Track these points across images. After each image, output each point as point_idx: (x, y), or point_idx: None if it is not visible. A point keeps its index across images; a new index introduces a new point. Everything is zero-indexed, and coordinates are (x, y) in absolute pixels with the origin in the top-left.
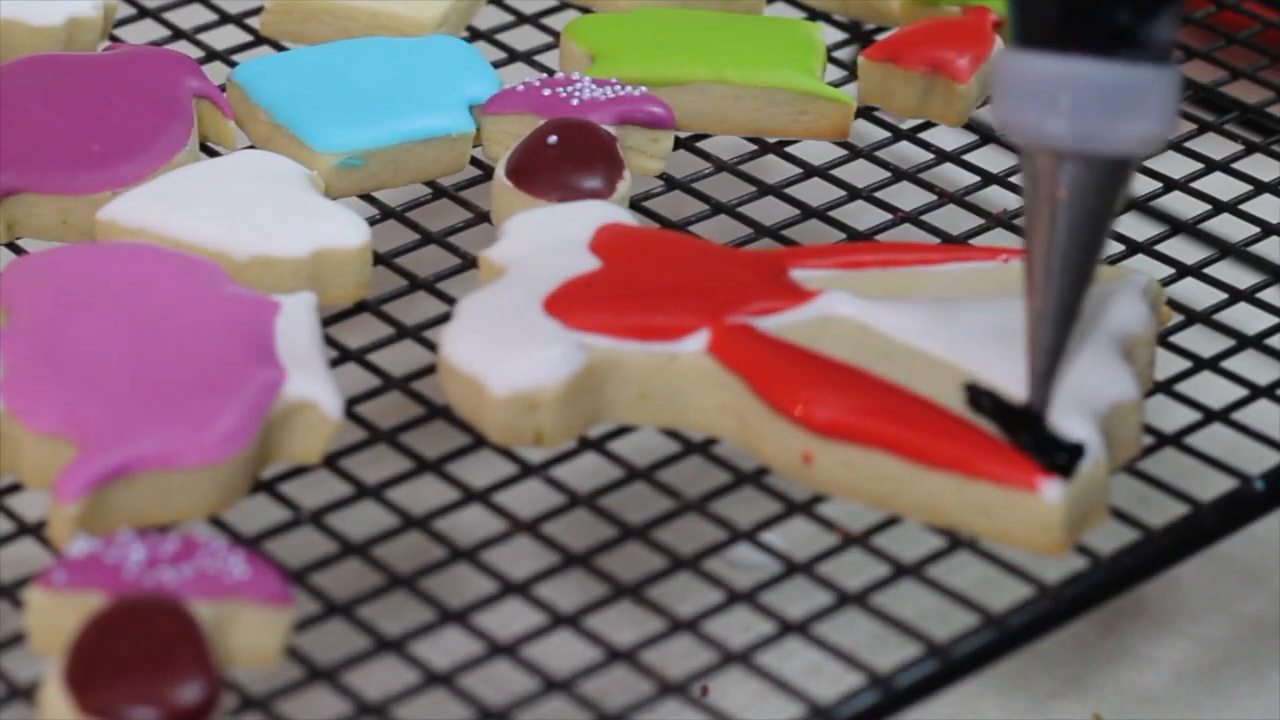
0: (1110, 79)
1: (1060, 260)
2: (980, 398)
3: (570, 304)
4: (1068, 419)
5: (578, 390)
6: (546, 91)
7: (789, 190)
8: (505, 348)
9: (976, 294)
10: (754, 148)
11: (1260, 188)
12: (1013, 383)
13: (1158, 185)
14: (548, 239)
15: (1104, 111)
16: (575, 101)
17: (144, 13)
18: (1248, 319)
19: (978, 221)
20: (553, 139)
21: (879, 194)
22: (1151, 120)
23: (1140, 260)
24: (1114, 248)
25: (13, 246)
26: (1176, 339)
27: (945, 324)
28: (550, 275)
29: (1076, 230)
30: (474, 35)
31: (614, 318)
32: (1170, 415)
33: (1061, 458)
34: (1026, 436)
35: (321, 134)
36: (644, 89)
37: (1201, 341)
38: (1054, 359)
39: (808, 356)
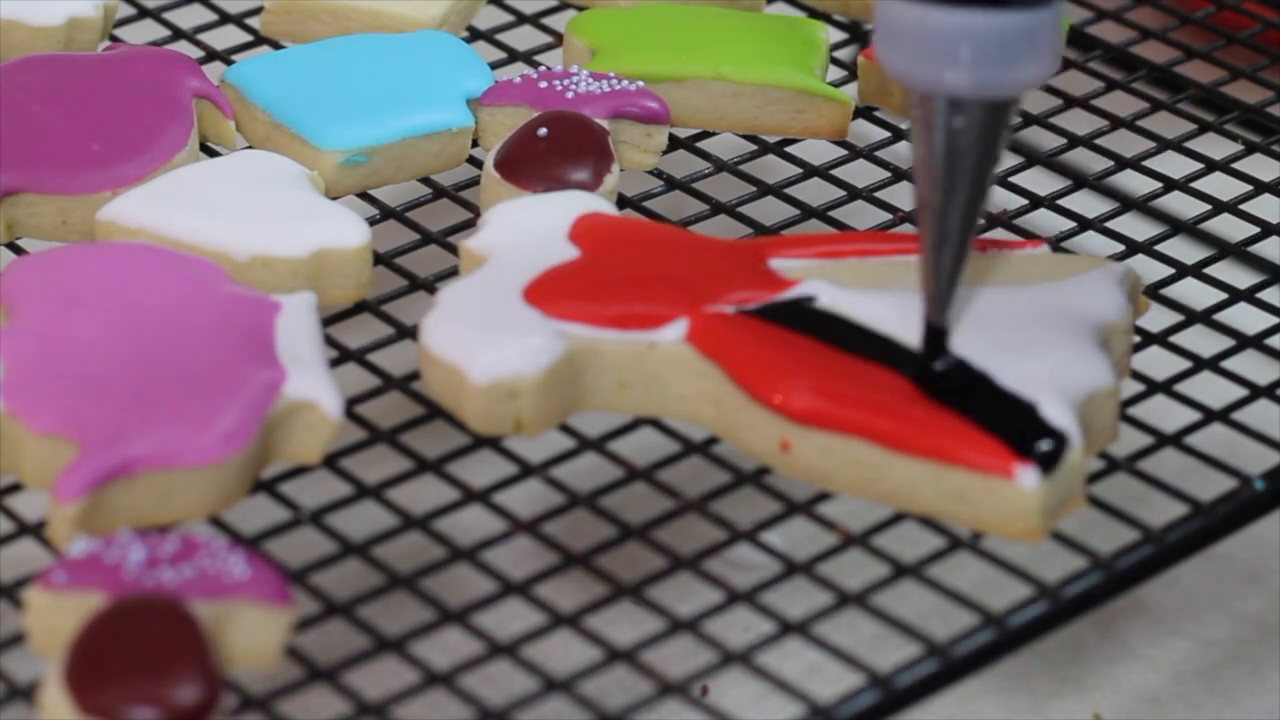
0: (1005, 28)
1: (957, 195)
2: (946, 381)
3: (550, 293)
4: (1046, 406)
5: (557, 378)
6: (542, 84)
7: (789, 190)
8: (485, 336)
9: None
10: (754, 147)
11: (1260, 188)
12: (988, 370)
13: (1158, 185)
14: (528, 228)
15: (1002, 60)
16: (570, 95)
17: (144, 13)
18: (1248, 319)
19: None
20: (542, 131)
21: (879, 194)
22: (1041, 61)
23: (1140, 260)
24: (1114, 247)
25: (13, 246)
26: (1176, 339)
27: (923, 313)
28: (530, 264)
29: (970, 167)
30: (474, 35)
31: (593, 306)
32: (1170, 415)
33: (1044, 445)
34: (1008, 424)
35: (325, 132)
36: (640, 84)
37: (1201, 341)
38: (952, 285)
39: (786, 344)
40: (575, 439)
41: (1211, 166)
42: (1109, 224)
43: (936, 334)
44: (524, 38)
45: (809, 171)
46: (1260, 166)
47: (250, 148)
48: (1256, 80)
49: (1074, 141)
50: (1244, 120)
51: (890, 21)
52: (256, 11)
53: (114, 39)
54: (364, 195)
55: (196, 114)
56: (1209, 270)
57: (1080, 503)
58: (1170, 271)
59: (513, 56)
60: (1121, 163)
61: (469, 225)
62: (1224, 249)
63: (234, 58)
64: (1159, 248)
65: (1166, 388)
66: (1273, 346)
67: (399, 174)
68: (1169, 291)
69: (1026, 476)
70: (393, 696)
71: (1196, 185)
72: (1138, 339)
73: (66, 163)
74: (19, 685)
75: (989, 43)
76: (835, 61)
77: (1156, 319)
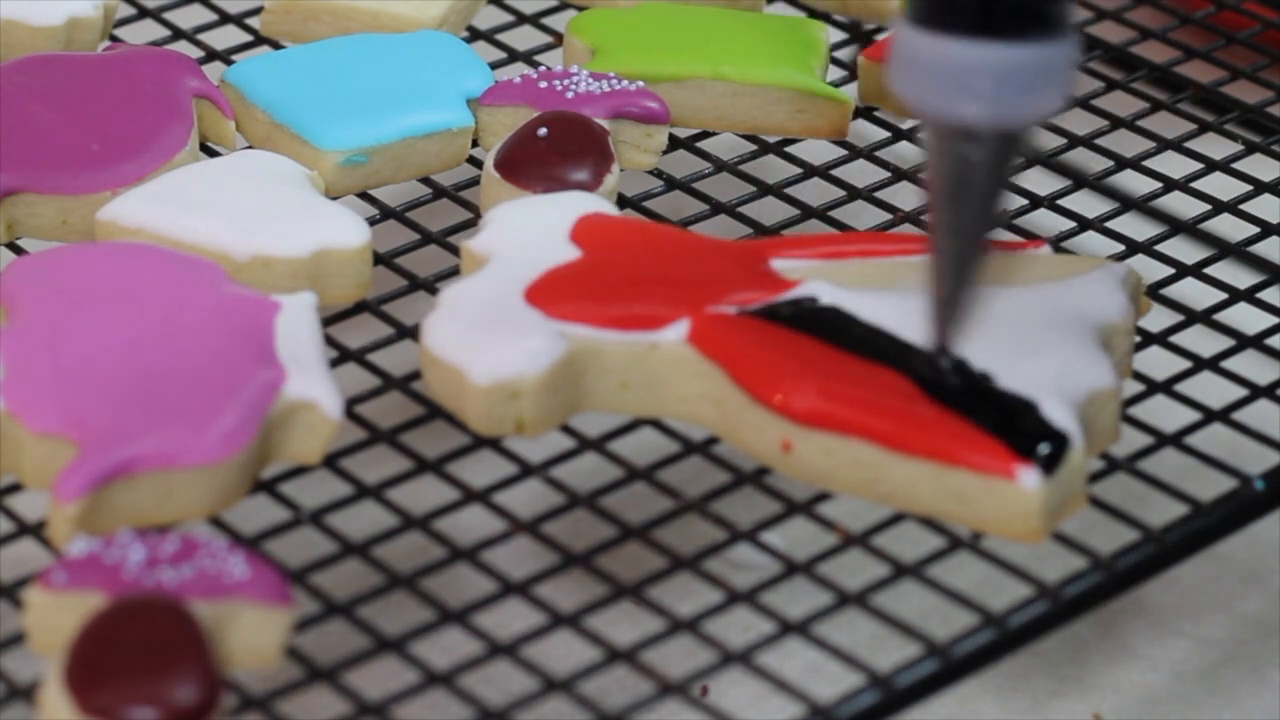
0: (1024, 62)
1: (970, 222)
2: (950, 376)
3: (551, 293)
4: (1047, 407)
5: (558, 379)
6: (542, 84)
7: (789, 190)
8: (486, 337)
9: None
10: (754, 147)
11: (1260, 188)
12: (994, 372)
13: (1158, 185)
14: (529, 229)
15: (1019, 93)
16: (570, 95)
17: (144, 13)
18: (1248, 319)
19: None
20: (542, 131)
21: (879, 194)
22: (1058, 92)
23: (1140, 260)
24: (1114, 247)
25: (13, 246)
26: (1176, 339)
27: (925, 313)
28: (531, 265)
29: (981, 195)
30: (474, 35)
31: (595, 307)
32: (1170, 415)
33: (1046, 446)
34: (1010, 424)
35: (325, 132)
36: (640, 84)
37: (1201, 341)
38: (958, 311)
39: (787, 345)
40: (575, 439)
41: (1211, 166)
42: (1109, 224)
43: (941, 356)
44: (524, 38)
45: (809, 171)
46: (1260, 166)
47: (250, 148)
48: (1256, 80)
49: (1074, 141)
50: (1244, 120)
51: (907, 51)
52: (256, 11)
53: (114, 39)
54: (364, 195)
55: (196, 114)
56: (1209, 270)
57: (1081, 503)
58: (1170, 271)
59: (513, 56)
60: (1121, 163)
61: (469, 225)
62: (1224, 249)
63: (234, 58)
64: (1159, 248)
65: (1166, 388)
66: (1273, 346)
67: (399, 174)
68: (1169, 291)
69: (1028, 477)
70: (393, 696)
71: (1196, 185)
72: (1137, 339)
73: (66, 163)
74: (19, 685)
75: (1007, 75)
76: (835, 61)
77: (1156, 319)
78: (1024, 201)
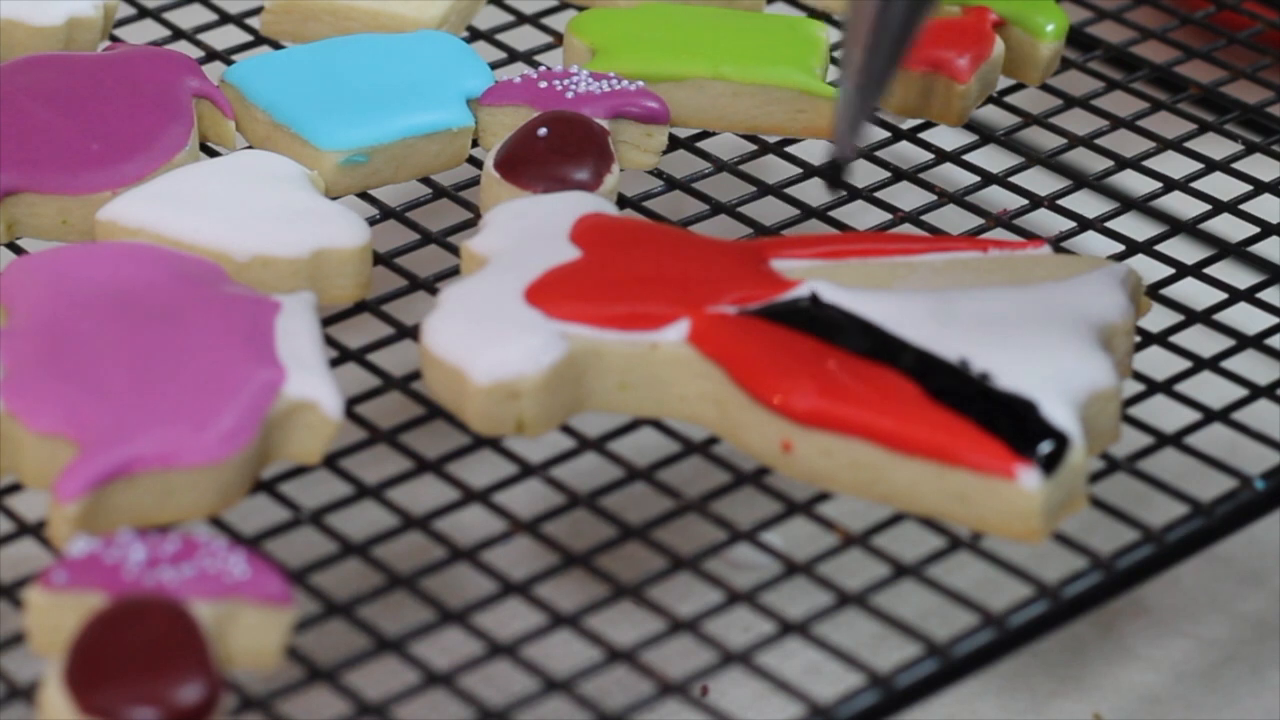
0: None
1: (878, 65)
2: (961, 377)
3: (551, 293)
4: (1047, 407)
5: (559, 379)
6: (542, 84)
7: (789, 190)
8: (487, 337)
9: (958, 284)
10: (754, 147)
11: (1260, 188)
12: (994, 372)
13: (1158, 185)
14: (529, 229)
15: None
16: (570, 95)
17: (144, 13)
18: (1248, 319)
19: (978, 221)
20: (542, 131)
21: (879, 194)
22: None
23: (1140, 260)
24: (1114, 247)
25: (13, 246)
26: (1176, 339)
27: (925, 314)
28: (531, 265)
29: (893, 38)
30: (474, 35)
31: (595, 307)
32: (1170, 415)
33: (1046, 446)
34: (1010, 424)
35: (325, 132)
36: (640, 84)
37: (1201, 341)
38: (861, 127)
39: (788, 345)
40: (576, 439)
41: (1211, 166)
42: (1109, 224)
43: (838, 168)
44: (524, 38)
45: (809, 171)
46: (1260, 166)
47: (250, 148)
48: (1256, 80)
49: (1074, 141)
50: (1244, 120)
51: None
52: (256, 11)
53: (114, 39)
54: (364, 195)
55: (196, 114)
56: (1209, 270)
57: (1082, 503)
58: (1170, 271)
59: (513, 56)
60: (1121, 163)
61: (469, 225)
62: (1224, 249)
63: (234, 58)
64: (1159, 248)
65: (1166, 388)
66: (1273, 346)
67: (399, 174)
68: (1169, 291)
69: (1028, 477)
70: (393, 696)
71: (1196, 185)
72: (1137, 339)
73: (66, 163)
74: (19, 685)
75: None
76: (835, 61)
77: (1156, 319)
78: (1024, 201)
